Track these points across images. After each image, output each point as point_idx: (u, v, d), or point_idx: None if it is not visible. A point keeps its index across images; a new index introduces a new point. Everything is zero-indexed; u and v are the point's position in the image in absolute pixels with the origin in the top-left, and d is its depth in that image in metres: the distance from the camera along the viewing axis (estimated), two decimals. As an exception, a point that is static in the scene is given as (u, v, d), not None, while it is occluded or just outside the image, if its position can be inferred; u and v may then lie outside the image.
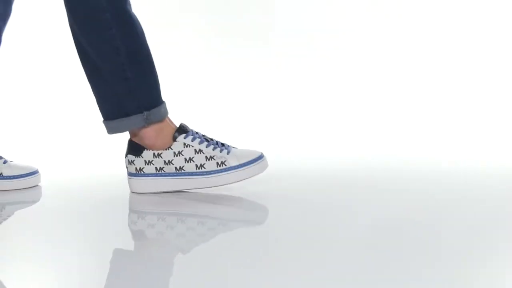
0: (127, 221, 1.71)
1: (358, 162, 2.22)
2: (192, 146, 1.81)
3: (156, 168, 1.82)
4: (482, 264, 1.32)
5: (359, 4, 3.24)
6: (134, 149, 1.84)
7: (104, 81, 1.82)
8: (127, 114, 1.82)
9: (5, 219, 1.72)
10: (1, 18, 1.88)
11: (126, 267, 1.35)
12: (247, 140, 2.13)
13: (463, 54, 3.17)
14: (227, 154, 1.81)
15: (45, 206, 1.80)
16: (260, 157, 1.83)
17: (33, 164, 1.97)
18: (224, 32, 2.94)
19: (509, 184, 1.94)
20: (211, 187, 1.81)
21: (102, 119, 1.88)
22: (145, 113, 1.82)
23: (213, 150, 1.81)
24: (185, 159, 1.81)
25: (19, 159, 2.36)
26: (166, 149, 1.81)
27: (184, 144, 1.81)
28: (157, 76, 1.85)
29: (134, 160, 1.83)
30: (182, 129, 1.83)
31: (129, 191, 1.87)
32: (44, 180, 2.06)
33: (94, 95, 1.87)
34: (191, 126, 1.92)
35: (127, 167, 1.86)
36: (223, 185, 1.81)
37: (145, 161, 1.82)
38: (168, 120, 1.86)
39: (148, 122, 1.82)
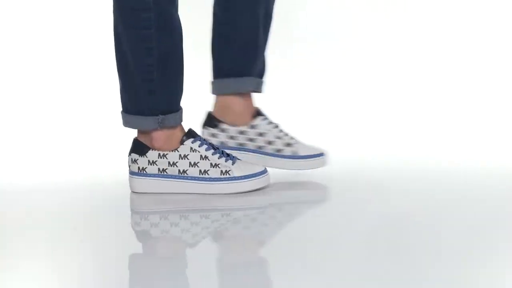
0: (129, 220, 1.71)
1: (358, 162, 2.21)
2: (199, 152, 1.82)
3: (159, 169, 1.82)
4: (482, 264, 1.32)
5: (360, 5, 3.23)
6: (139, 148, 1.84)
7: (130, 74, 1.83)
8: (142, 113, 1.83)
9: (7, 220, 1.72)
10: None
11: (132, 266, 1.35)
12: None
13: (463, 55, 3.17)
14: (232, 164, 1.81)
15: (45, 206, 1.80)
16: (264, 171, 1.85)
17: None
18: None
19: (509, 184, 1.94)
20: (212, 194, 1.81)
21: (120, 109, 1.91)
22: (160, 117, 1.81)
23: (218, 158, 1.82)
24: (190, 163, 1.81)
25: (19, 159, 2.35)
26: (172, 151, 1.82)
27: (191, 148, 1.82)
28: (182, 82, 1.86)
29: (137, 159, 1.83)
30: (191, 134, 1.84)
31: (129, 190, 1.87)
32: (44, 180, 2.06)
33: (119, 81, 1.88)
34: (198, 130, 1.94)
35: (129, 166, 1.86)
36: (224, 194, 1.81)
37: (149, 161, 1.82)
38: (180, 127, 1.86)
39: (161, 126, 1.82)
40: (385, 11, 3.23)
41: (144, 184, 1.84)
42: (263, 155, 1.95)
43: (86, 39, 3.18)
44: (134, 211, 1.78)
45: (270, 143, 1.95)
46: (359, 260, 1.35)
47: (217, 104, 1.98)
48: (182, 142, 1.82)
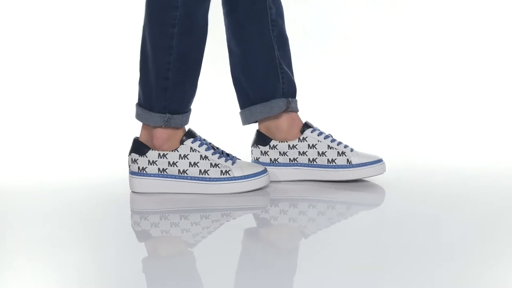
0: (129, 220, 1.71)
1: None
2: (198, 152, 1.83)
3: (159, 169, 1.83)
4: (483, 264, 1.32)
5: (360, 5, 3.24)
6: (139, 148, 1.84)
7: (148, 68, 1.84)
8: (151, 109, 1.84)
9: (8, 220, 1.72)
10: None
11: (132, 266, 1.35)
12: (248, 140, 2.13)
13: (464, 55, 3.18)
14: (232, 164, 1.83)
15: (45, 206, 1.80)
16: (264, 171, 1.86)
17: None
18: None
19: (509, 184, 1.94)
20: (212, 194, 1.81)
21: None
22: (167, 115, 1.82)
23: (218, 158, 1.83)
24: (190, 163, 1.82)
25: (19, 160, 2.35)
26: (172, 151, 1.82)
27: (191, 148, 1.83)
28: (196, 85, 1.87)
29: (137, 159, 1.84)
30: (191, 134, 1.85)
31: (129, 190, 1.88)
32: (45, 180, 2.06)
33: (139, 73, 1.89)
34: (198, 131, 1.94)
35: (129, 165, 1.86)
36: (224, 194, 1.82)
37: (149, 161, 1.83)
38: (183, 128, 1.87)
39: (166, 125, 1.83)
40: (385, 11, 3.23)
41: (144, 184, 1.84)
42: (317, 169, 1.92)
43: (86, 39, 3.18)
44: (134, 211, 1.78)
45: (322, 154, 1.91)
46: (359, 260, 1.35)
47: (262, 126, 1.98)
48: (182, 142, 1.83)
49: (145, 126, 1.87)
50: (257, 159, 1.95)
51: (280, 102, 1.95)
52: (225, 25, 1.97)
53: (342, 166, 1.90)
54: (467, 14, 3.22)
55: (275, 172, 1.95)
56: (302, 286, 1.23)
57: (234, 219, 1.71)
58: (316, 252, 1.41)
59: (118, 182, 1.98)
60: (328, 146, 1.92)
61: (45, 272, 1.32)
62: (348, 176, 1.90)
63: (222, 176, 1.82)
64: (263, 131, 1.97)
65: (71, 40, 3.18)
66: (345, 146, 1.93)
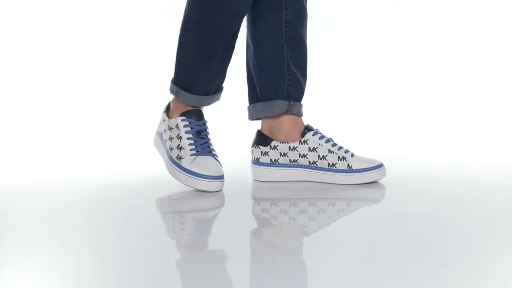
0: (129, 220, 1.71)
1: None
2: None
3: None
4: (482, 264, 1.32)
5: (361, 7, 3.24)
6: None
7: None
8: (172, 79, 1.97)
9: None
10: None
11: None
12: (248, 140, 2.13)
13: (463, 55, 3.17)
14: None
15: (45, 206, 1.80)
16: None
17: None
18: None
19: (509, 184, 1.94)
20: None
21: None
22: (177, 88, 1.93)
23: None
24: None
25: (19, 160, 2.35)
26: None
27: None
28: (211, 75, 1.92)
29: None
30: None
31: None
32: (44, 180, 2.06)
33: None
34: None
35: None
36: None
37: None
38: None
39: (176, 95, 1.92)
40: (385, 15, 3.23)
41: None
42: (317, 171, 1.92)
43: (86, 39, 3.18)
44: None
45: (323, 157, 1.92)
46: (359, 261, 1.34)
47: (264, 124, 1.98)
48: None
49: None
50: (258, 159, 1.95)
51: (280, 104, 1.95)
52: (246, 16, 1.97)
53: (342, 171, 1.90)
54: (466, 16, 3.22)
55: (275, 172, 1.95)
56: (303, 286, 1.23)
57: (234, 218, 1.70)
58: (317, 251, 1.41)
59: (118, 182, 1.98)
60: (329, 150, 1.92)
61: (45, 272, 1.32)
62: (348, 180, 1.90)
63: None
64: (265, 130, 1.98)
65: (71, 40, 3.18)
66: (346, 151, 1.92)
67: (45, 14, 3.18)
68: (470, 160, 2.23)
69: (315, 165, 1.92)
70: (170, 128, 1.90)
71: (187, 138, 1.87)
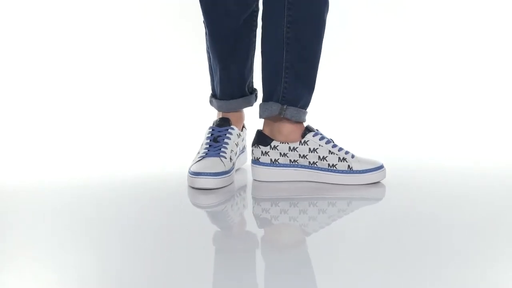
0: (129, 220, 1.71)
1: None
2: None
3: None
4: (482, 263, 1.32)
5: (361, 8, 3.24)
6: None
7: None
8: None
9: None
10: None
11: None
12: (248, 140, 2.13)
13: (463, 55, 3.17)
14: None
15: (45, 206, 1.79)
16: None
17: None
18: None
19: (509, 184, 1.94)
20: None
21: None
22: (211, 96, 2.05)
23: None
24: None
25: (19, 160, 2.35)
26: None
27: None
28: (225, 81, 1.99)
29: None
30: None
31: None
32: (44, 180, 2.06)
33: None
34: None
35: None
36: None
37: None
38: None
39: (210, 104, 2.05)
40: (385, 16, 3.23)
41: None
42: (317, 171, 1.92)
43: (86, 39, 3.18)
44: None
45: (323, 158, 1.91)
46: (360, 260, 1.34)
47: (265, 125, 1.98)
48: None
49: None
50: (258, 159, 1.95)
51: (273, 106, 1.93)
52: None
53: (343, 171, 1.90)
54: (466, 16, 3.22)
55: (275, 172, 1.95)
56: (303, 286, 1.23)
57: (234, 218, 1.71)
58: (317, 251, 1.41)
59: (118, 182, 1.98)
60: (329, 151, 1.91)
61: (45, 272, 1.32)
62: (349, 181, 1.90)
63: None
64: (266, 131, 1.97)
65: (71, 40, 3.18)
66: (346, 152, 1.91)
67: (45, 14, 3.18)
68: (470, 160, 2.23)
69: (315, 165, 1.92)
70: (314, 150, 1.94)
71: (205, 143, 1.95)
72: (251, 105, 2.05)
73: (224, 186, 1.88)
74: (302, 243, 1.53)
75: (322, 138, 1.93)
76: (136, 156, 2.34)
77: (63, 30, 3.18)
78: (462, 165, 2.16)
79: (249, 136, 2.12)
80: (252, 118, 2.09)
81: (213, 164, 1.87)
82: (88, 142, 2.56)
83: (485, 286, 1.22)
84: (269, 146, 1.95)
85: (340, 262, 1.34)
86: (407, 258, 1.35)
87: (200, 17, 1.98)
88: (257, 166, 1.96)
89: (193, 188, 1.86)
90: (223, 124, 1.99)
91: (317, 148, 1.92)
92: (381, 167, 1.91)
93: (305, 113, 1.96)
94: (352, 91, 3.08)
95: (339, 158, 1.90)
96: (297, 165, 1.94)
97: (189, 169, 1.89)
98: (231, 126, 1.98)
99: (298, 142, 1.93)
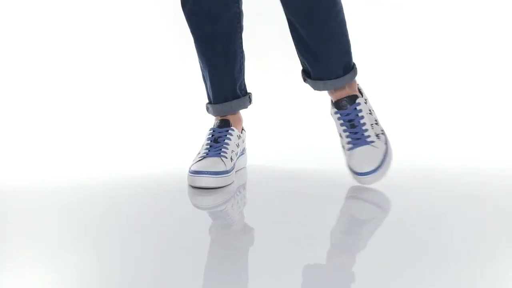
0: (129, 220, 1.71)
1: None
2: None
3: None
4: (483, 263, 1.32)
5: (361, 8, 3.24)
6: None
7: None
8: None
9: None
10: None
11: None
12: (250, 140, 2.13)
13: (463, 55, 3.18)
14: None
15: (45, 206, 1.80)
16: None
17: None
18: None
19: (509, 184, 1.94)
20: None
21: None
22: (207, 103, 2.08)
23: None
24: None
25: (19, 160, 2.35)
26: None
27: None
28: (213, 84, 2.02)
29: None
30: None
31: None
32: (44, 180, 2.06)
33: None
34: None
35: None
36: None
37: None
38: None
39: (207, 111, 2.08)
40: (385, 17, 3.23)
41: None
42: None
43: (86, 39, 3.18)
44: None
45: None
46: (359, 260, 1.34)
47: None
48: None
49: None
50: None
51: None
52: None
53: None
54: (466, 16, 3.22)
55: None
56: (303, 286, 1.23)
57: (233, 218, 1.71)
58: (317, 251, 1.41)
59: (118, 182, 1.98)
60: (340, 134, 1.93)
61: (45, 272, 1.32)
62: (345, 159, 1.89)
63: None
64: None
65: (71, 40, 3.18)
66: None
67: (45, 14, 3.18)
68: (470, 160, 2.23)
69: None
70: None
71: (205, 144, 1.96)
72: (246, 107, 2.06)
73: (224, 186, 1.88)
74: (302, 243, 1.53)
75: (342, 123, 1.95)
76: (136, 156, 2.34)
77: (63, 30, 3.19)
78: (462, 165, 2.16)
79: (249, 138, 2.12)
80: (252, 120, 2.09)
81: (214, 163, 1.88)
82: (88, 142, 2.56)
83: (485, 286, 1.22)
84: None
85: (340, 262, 1.34)
86: (407, 258, 1.35)
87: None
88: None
89: (193, 187, 1.86)
90: (223, 125, 2.00)
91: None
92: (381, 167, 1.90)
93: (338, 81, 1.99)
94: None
95: (343, 146, 1.91)
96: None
97: (189, 168, 1.89)
98: (232, 127, 1.99)
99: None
